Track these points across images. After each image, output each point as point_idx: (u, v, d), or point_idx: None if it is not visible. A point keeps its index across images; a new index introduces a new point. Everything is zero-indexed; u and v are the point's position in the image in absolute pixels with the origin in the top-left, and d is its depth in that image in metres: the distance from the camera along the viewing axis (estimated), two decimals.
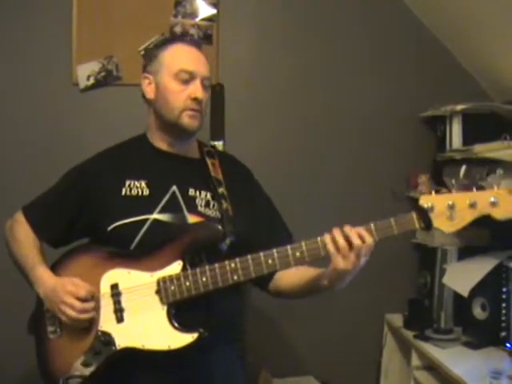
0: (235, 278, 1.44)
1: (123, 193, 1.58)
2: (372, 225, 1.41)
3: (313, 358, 2.75)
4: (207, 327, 1.45)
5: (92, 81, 2.56)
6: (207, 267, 1.45)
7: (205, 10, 2.59)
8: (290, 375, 2.69)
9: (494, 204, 1.38)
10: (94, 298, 1.50)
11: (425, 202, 1.40)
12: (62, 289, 1.50)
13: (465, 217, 1.40)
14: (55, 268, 1.60)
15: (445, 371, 2.10)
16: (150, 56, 1.67)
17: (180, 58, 1.59)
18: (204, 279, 1.45)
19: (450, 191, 2.22)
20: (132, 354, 1.47)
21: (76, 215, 1.63)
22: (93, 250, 1.59)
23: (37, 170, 2.57)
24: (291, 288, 1.61)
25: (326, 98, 2.74)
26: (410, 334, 2.47)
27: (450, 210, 1.39)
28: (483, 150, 2.26)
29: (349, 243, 1.38)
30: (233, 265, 1.44)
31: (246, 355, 1.78)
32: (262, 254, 1.44)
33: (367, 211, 2.72)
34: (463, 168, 2.35)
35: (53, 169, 2.56)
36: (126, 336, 1.47)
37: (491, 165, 2.18)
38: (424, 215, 1.40)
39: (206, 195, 1.60)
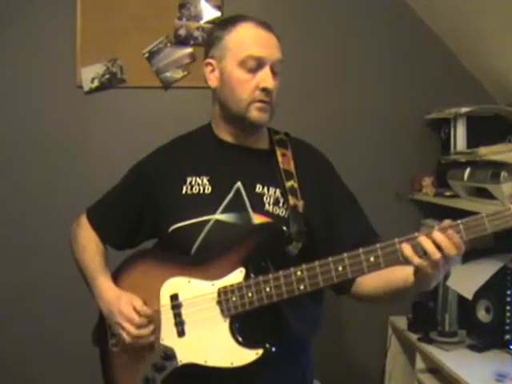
0: (301, 287, 1.28)
1: (184, 191, 1.46)
2: (460, 224, 1.20)
3: (316, 361, 2.73)
4: (275, 342, 1.31)
5: (96, 83, 2.57)
6: (271, 276, 1.30)
7: (209, 13, 2.59)
8: None
9: None
10: (151, 321, 1.38)
11: None
12: (117, 310, 1.40)
13: None
14: (116, 276, 1.51)
15: (449, 374, 2.09)
16: (212, 38, 1.47)
17: (247, 41, 1.42)
18: (268, 289, 1.29)
19: None
20: (193, 370, 1.35)
21: (139, 216, 1.54)
22: (152, 255, 1.50)
23: (41, 172, 2.58)
24: (375, 293, 1.44)
25: (330, 100, 2.73)
26: (414, 337, 2.46)
27: None
28: (488, 152, 2.25)
29: (438, 248, 1.19)
30: (299, 273, 1.28)
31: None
32: (330, 259, 1.27)
33: (371, 213, 2.74)
34: (467, 170, 2.34)
35: (57, 171, 2.60)
36: (187, 351, 1.36)
37: (495, 167, 2.17)
38: None
39: (274, 192, 1.44)
